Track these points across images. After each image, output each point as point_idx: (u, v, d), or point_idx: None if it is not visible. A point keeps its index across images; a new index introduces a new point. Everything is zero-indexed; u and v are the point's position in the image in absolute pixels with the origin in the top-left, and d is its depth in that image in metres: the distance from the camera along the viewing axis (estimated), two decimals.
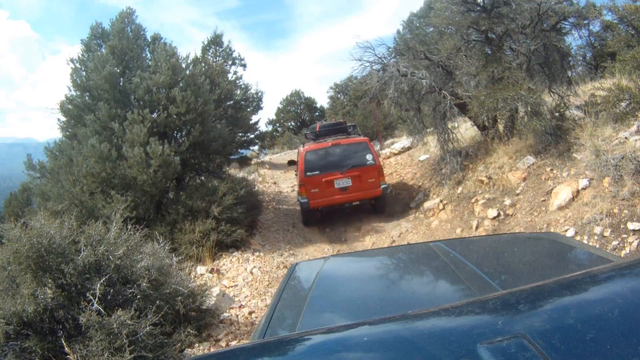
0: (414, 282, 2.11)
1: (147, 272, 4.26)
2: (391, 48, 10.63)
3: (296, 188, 11.50)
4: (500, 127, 9.40)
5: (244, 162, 22.17)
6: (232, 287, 5.59)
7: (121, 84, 8.30)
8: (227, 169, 18.75)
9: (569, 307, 0.92)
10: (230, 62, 23.26)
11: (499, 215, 7.06)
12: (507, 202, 7.21)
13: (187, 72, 7.93)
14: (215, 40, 23.60)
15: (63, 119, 9.28)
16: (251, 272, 6.00)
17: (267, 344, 1.12)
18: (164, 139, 7.54)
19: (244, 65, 23.68)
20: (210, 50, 23.27)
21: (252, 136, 24.13)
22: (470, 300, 1.14)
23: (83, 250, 4.25)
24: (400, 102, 8.88)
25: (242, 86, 23.12)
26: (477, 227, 7.16)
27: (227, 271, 6.14)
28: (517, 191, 7.35)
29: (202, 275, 6.02)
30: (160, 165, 7.01)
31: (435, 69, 9.31)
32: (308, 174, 9.07)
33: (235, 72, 23.22)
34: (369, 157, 9.22)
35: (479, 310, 1.00)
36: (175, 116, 7.59)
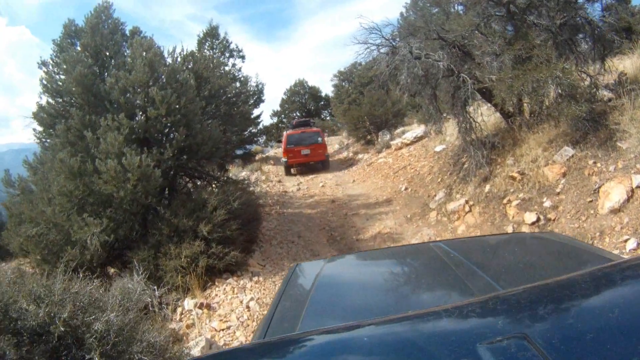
0: (414, 282, 2.07)
1: (105, 335, 3.27)
2: (399, 27, 9.54)
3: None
4: (527, 113, 8.29)
5: (247, 158, 21.20)
6: (223, 330, 4.59)
7: (96, 86, 7.29)
8: (231, 166, 17.84)
9: (569, 307, 0.91)
10: (227, 55, 22.24)
11: (538, 219, 5.99)
12: (547, 203, 6.13)
13: (167, 68, 6.88)
14: (212, 33, 22.55)
15: (39, 128, 8.33)
16: (247, 307, 5.00)
17: (268, 345, 1.14)
18: (145, 147, 6.54)
19: (243, 57, 22.63)
20: (207, 43, 22.27)
21: (254, 130, 23.17)
22: (471, 300, 1.08)
23: (25, 310, 3.29)
24: (414, 89, 7.78)
25: (242, 79, 22.11)
26: None
27: (219, 305, 5.14)
28: (557, 190, 6.27)
29: (189, 311, 5.04)
30: (139, 178, 6.02)
31: (451, 50, 8.18)
32: (288, 146, 16.55)
33: (233, 65, 22.22)
34: (319, 139, 16.86)
35: (479, 311, 0.99)
36: (155, 119, 6.58)
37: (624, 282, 1.04)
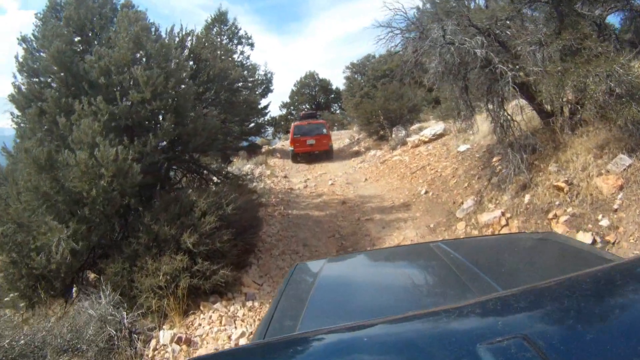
0: (414, 282, 2.03)
1: None
2: (418, 18, 8.46)
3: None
4: (566, 113, 7.19)
5: (252, 150, 20.21)
6: None
7: (76, 64, 6.31)
8: (235, 159, 16.84)
9: (569, 307, 0.91)
10: (235, 41, 21.24)
11: (594, 242, 4.92)
12: (604, 222, 5.07)
13: (156, 44, 5.85)
14: (220, 18, 21.58)
15: (17, 112, 7.37)
16: (237, 346, 3.97)
17: (267, 345, 1.13)
18: (126, 137, 5.56)
19: (252, 45, 21.66)
20: (214, 29, 21.29)
21: (261, 121, 22.25)
22: (471, 300, 1.08)
23: None
24: (445, 79, 6.69)
25: (250, 67, 21.14)
26: None
27: (202, 339, 4.11)
28: (614, 206, 5.20)
29: (164, 346, 4.04)
30: (114, 174, 5.04)
31: (486, 39, 7.09)
32: (295, 136, 17.61)
33: (242, 52, 21.24)
34: (324, 130, 17.92)
35: (479, 311, 0.99)
36: (139, 104, 5.59)
37: (623, 282, 1.01)
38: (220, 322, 4.35)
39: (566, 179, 5.86)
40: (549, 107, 7.28)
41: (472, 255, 2.12)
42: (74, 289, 6.27)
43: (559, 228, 5.33)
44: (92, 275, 6.54)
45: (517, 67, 6.80)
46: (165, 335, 4.16)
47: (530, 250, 2.27)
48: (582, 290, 1.00)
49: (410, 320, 1.01)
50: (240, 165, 14.70)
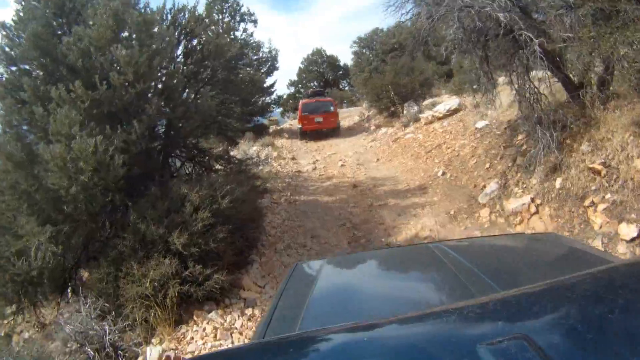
0: (414, 283, 2.04)
1: None
2: None
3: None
4: (594, 85, 6.44)
5: (259, 131, 19.59)
6: None
7: (55, 48, 5.74)
8: (241, 141, 16.24)
9: (569, 307, 0.90)
10: (238, 19, 20.51)
11: None
12: None
13: (138, 19, 5.23)
14: None
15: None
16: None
17: (267, 344, 1.12)
18: (109, 125, 5.00)
19: (255, 22, 20.90)
20: (216, 7, 20.60)
21: (268, 100, 21.64)
22: (471, 301, 1.10)
23: None
24: (464, 47, 5.99)
25: (253, 44, 20.50)
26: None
27: (194, 356, 3.64)
28: None
29: None
30: (95, 168, 4.51)
31: (505, 4, 6.35)
32: (303, 113, 17.73)
33: (245, 30, 20.52)
34: (331, 107, 18.08)
35: (479, 311, 0.97)
36: (122, 87, 5.03)
37: (624, 283, 0.99)
38: (215, 336, 3.84)
39: (603, 160, 5.19)
40: (576, 79, 6.57)
41: (472, 256, 2.11)
42: (69, 290, 5.88)
43: (598, 217, 4.70)
44: (86, 275, 6.13)
45: (539, 33, 6.09)
46: (152, 352, 3.66)
47: (530, 251, 2.25)
48: (583, 291, 0.98)
49: (410, 320, 1.01)
50: (247, 148, 14.13)
